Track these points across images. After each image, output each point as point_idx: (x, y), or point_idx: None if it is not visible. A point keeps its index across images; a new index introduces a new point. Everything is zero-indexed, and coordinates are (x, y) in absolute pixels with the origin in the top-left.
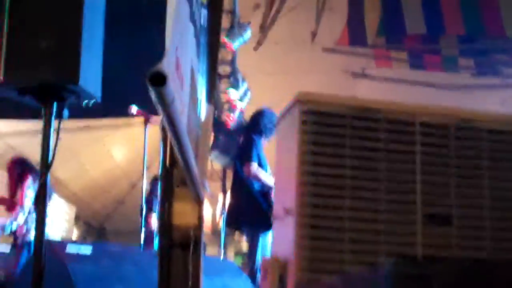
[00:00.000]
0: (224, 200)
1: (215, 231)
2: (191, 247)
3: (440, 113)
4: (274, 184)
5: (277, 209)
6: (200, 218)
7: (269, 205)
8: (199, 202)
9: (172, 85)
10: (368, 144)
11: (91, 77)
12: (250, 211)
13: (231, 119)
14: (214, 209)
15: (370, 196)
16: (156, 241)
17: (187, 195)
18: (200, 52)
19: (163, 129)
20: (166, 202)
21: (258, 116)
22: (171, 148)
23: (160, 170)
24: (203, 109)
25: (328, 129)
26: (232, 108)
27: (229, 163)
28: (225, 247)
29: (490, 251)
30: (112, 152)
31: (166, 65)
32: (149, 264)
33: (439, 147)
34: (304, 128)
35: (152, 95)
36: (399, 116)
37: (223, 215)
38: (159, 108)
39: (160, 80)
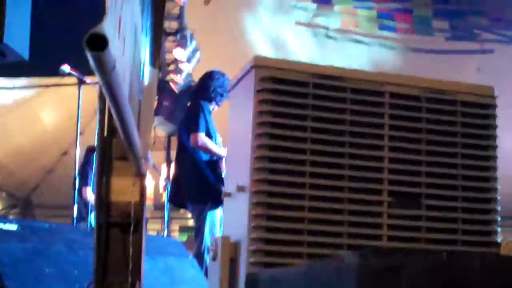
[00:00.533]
0: (168, 171)
1: (158, 205)
2: (132, 227)
3: (410, 83)
4: (226, 157)
5: (228, 185)
6: (142, 195)
7: (218, 178)
8: (141, 177)
9: (113, 49)
10: (331, 115)
11: (17, 35)
12: (196, 184)
13: (177, 82)
14: (157, 181)
15: (333, 173)
16: (91, 218)
17: (127, 169)
18: (144, 5)
19: (100, 96)
20: (104, 176)
21: (208, 80)
22: (110, 116)
23: (96, 140)
24: (146, 73)
25: (287, 98)
26: (178, 70)
27: (175, 131)
28: (168, 222)
29: (461, 234)
30: (40, 115)
31: (107, 26)
32: (83, 244)
33: (409, 120)
34: (261, 96)
35: (90, 59)
36: (367, 85)
37: (167, 188)
38: (97, 75)
39: (99, 43)
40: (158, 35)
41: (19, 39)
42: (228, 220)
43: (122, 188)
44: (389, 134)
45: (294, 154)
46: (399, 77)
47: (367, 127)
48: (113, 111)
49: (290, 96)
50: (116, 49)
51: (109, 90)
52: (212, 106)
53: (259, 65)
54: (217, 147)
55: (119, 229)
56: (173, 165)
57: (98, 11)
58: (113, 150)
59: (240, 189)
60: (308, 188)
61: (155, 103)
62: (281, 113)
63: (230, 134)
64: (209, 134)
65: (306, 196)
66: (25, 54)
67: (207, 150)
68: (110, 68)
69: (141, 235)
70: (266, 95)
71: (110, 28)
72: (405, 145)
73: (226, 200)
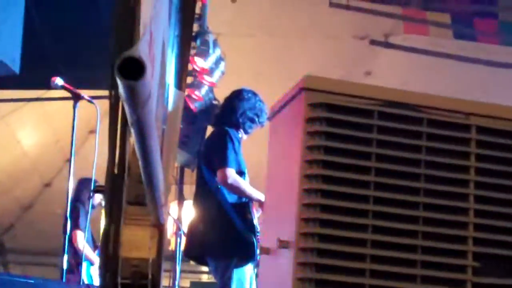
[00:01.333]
0: (179, 212)
1: (166, 256)
2: None
3: (505, 114)
4: (265, 203)
5: (267, 238)
6: (159, 250)
7: (248, 225)
8: (160, 228)
9: (149, 76)
10: (402, 154)
11: (8, 47)
12: (220, 233)
13: (196, 99)
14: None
15: (404, 228)
16: (84, 272)
17: (142, 217)
18: (170, 13)
19: (112, 119)
20: (112, 224)
21: (235, 100)
22: (122, 146)
23: (106, 180)
24: (171, 96)
25: (346, 131)
26: (197, 84)
27: (189, 161)
28: (179, 278)
29: None
30: (18, 135)
31: (142, 49)
32: None
33: (502, 163)
34: (312, 127)
35: (122, 89)
36: (448, 116)
37: (178, 234)
38: (127, 107)
39: (133, 70)
40: (185, 51)
41: (10, 51)
42: (265, 283)
43: (135, 241)
44: (476, 180)
45: (354, 203)
46: (489, 107)
47: (447, 170)
48: (137, 148)
49: (350, 128)
50: (151, 74)
51: (138, 125)
52: (241, 135)
53: (309, 87)
54: (251, 187)
55: None
56: (185, 204)
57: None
58: (125, 191)
59: (283, 244)
60: (370, 246)
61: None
62: (337, 149)
63: (269, 174)
64: (240, 171)
65: (368, 257)
66: (16, 68)
67: (238, 191)
68: (143, 100)
69: None
70: (318, 126)
71: (145, 49)
72: (495, 195)
73: (263, 258)
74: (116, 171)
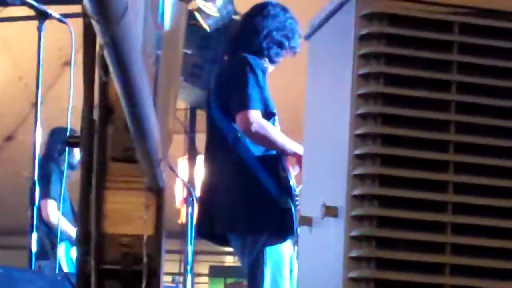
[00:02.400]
0: (191, 172)
1: (174, 231)
2: (144, 281)
3: None
4: (304, 158)
5: (308, 206)
6: (158, 223)
7: (282, 187)
8: (158, 193)
9: None
10: (495, 82)
11: None
12: (243, 200)
13: (209, 13)
14: (173, 190)
15: (496, 184)
16: (62, 254)
17: (134, 177)
18: None
19: (86, 48)
20: (92, 189)
21: (257, 18)
22: (103, 86)
23: (81, 131)
24: (168, 8)
25: (414, 52)
26: None
27: (203, 101)
28: (192, 261)
29: None
30: None
31: None
32: None
33: None
34: (367, 48)
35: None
36: None
37: (190, 202)
38: (95, 24)
39: None
40: None
41: None
42: (307, 265)
43: (125, 212)
44: None
45: (427, 152)
46: None
47: None
48: (116, 81)
49: (419, 47)
50: None
51: (113, 49)
52: (266, 64)
53: None
54: (282, 134)
55: (120, 284)
56: (199, 160)
57: None
58: (109, 144)
59: (330, 212)
60: (451, 211)
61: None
62: (402, 77)
63: (308, 117)
64: (267, 113)
65: (448, 226)
66: None
67: (265, 140)
68: (117, 13)
69: None
70: (375, 46)
71: None
72: None
73: (303, 230)
74: (95, 116)
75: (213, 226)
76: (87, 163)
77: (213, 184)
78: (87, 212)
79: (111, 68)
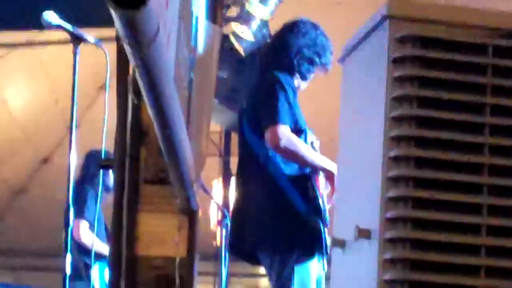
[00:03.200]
0: (226, 194)
1: (208, 253)
2: None
3: None
4: (337, 178)
5: (341, 227)
6: (192, 247)
7: (312, 206)
8: (190, 216)
9: (155, 2)
10: None
11: None
12: (274, 219)
13: (244, 37)
14: (207, 211)
15: None
16: (96, 276)
17: (166, 200)
18: None
19: (119, 74)
20: (125, 211)
21: (287, 36)
22: (136, 109)
23: (115, 154)
24: (201, 33)
25: (447, 74)
26: (246, 17)
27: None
28: (227, 283)
29: None
30: (2, 94)
31: None
32: None
33: None
34: (400, 70)
35: (118, 23)
36: None
37: (223, 224)
38: (129, 49)
39: None
40: None
41: None
42: (339, 284)
43: (158, 234)
44: None
45: (461, 175)
46: None
47: None
48: (148, 105)
49: (453, 70)
50: (157, 2)
51: (146, 70)
52: (297, 82)
53: (398, 14)
54: (312, 150)
55: None
56: (233, 182)
57: None
58: (141, 167)
59: (363, 234)
60: (485, 233)
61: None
62: (435, 100)
63: (342, 137)
64: (297, 129)
65: (482, 249)
66: None
67: (295, 156)
68: (149, 36)
69: None
70: (409, 69)
71: None
72: None
73: (336, 253)
74: (128, 139)
75: (243, 244)
76: (120, 185)
77: (244, 202)
78: (120, 233)
79: (143, 91)
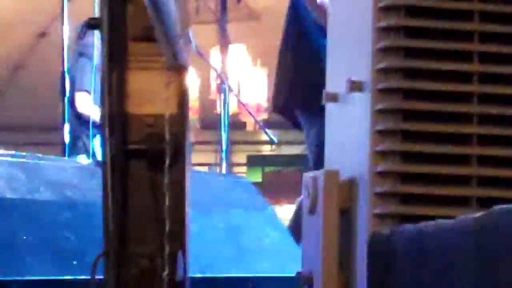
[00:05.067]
0: (223, 60)
1: (208, 120)
2: (167, 159)
3: None
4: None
5: (334, 80)
6: (182, 102)
7: None
8: (179, 71)
9: None
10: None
11: None
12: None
13: None
14: (206, 76)
15: None
16: (94, 146)
17: (154, 57)
18: None
19: None
20: (113, 71)
21: None
22: None
23: (100, 7)
24: None
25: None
26: None
27: None
28: (228, 150)
29: None
30: None
31: None
32: (85, 192)
33: None
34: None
35: None
36: None
37: (222, 89)
38: None
39: None
40: None
41: None
42: (334, 142)
43: (147, 92)
44: None
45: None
46: None
47: None
48: None
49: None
50: None
51: None
52: None
53: None
54: None
55: (145, 163)
56: (231, 49)
57: None
58: (128, 24)
59: (355, 86)
60: (477, 81)
61: None
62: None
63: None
64: None
65: (474, 98)
66: None
67: None
68: None
69: (183, 172)
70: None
71: None
72: None
73: (329, 107)
74: None
75: (286, 103)
76: (108, 44)
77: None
78: (110, 93)
79: None
